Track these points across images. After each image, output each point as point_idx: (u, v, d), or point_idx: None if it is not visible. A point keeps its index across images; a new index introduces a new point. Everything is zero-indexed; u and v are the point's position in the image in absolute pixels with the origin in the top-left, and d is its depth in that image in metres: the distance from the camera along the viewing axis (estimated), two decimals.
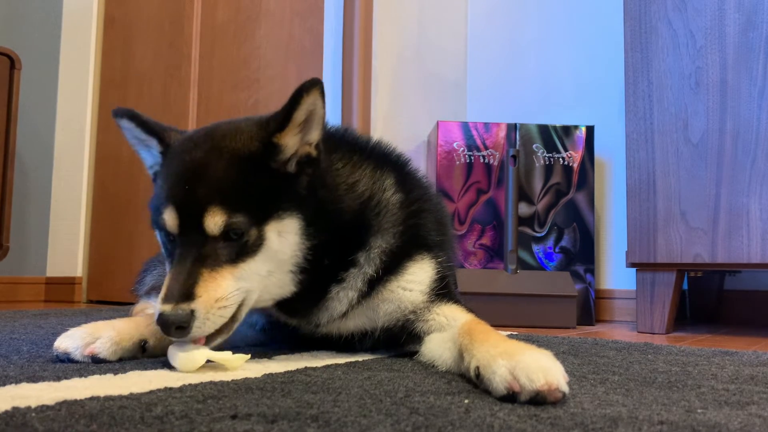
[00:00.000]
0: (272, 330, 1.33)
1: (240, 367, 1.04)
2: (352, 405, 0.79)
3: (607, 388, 0.97)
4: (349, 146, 1.24)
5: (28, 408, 0.72)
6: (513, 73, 3.13)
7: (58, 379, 0.92)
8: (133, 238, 3.30)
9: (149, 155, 1.19)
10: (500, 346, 0.91)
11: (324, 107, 1.10)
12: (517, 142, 2.58)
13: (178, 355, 1.00)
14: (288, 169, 1.09)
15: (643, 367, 1.20)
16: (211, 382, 0.91)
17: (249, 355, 1.07)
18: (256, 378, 0.96)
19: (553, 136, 2.58)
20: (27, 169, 3.52)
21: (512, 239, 2.53)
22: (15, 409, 0.71)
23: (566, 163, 2.57)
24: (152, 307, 1.31)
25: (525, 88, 3.09)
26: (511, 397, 0.83)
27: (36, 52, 3.54)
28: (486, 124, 2.60)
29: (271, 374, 1.00)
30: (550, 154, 2.57)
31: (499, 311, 2.31)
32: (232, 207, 1.02)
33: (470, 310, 1.21)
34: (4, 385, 0.86)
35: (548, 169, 2.57)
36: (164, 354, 1.06)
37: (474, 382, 0.94)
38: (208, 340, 1.03)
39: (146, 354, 1.14)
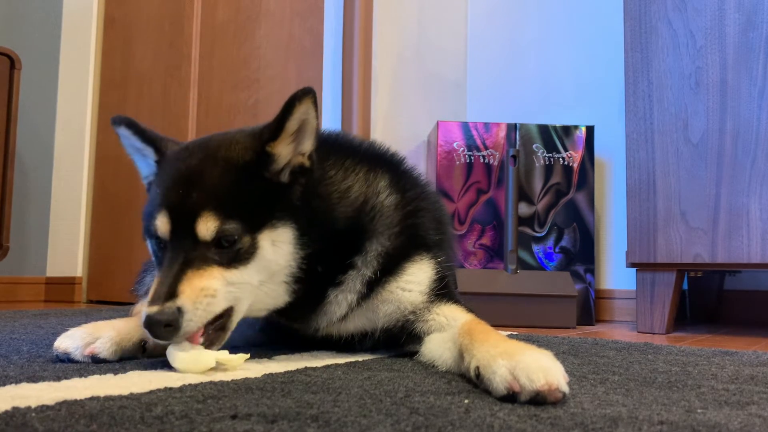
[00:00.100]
0: (272, 330, 1.33)
1: (240, 366, 1.04)
2: (352, 405, 0.79)
3: (607, 388, 0.97)
4: (341, 151, 1.23)
5: (28, 408, 0.72)
6: (513, 73, 3.13)
7: (58, 379, 0.92)
8: (133, 238, 3.30)
9: (145, 165, 1.19)
10: (500, 346, 0.91)
11: (317, 117, 1.10)
12: (517, 142, 2.58)
13: (178, 356, 0.99)
14: (281, 179, 1.09)
15: (643, 367, 1.20)
16: (211, 382, 0.91)
17: (248, 355, 1.07)
18: (256, 378, 0.96)
19: (553, 136, 2.58)
20: (27, 169, 3.52)
21: (512, 239, 2.53)
22: (15, 409, 0.71)
23: (566, 163, 2.57)
24: None
25: (525, 88, 3.09)
26: (511, 397, 0.83)
27: (36, 52, 3.54)
28: (486, 124, 2.60)
29: (271, 374, 1.00)
30: (550, 154, 2.57)
31: (499, 311, 2.31)
32: (225, 213, 1.01)
33: (470, 310, 1.20)
34: (4, 385, 0.86)
35: (548, 169, 2.57)
36: (164, 354, 1.06)
37: (474, 382, 0.94)
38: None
39: (146, 354, 1.14)
